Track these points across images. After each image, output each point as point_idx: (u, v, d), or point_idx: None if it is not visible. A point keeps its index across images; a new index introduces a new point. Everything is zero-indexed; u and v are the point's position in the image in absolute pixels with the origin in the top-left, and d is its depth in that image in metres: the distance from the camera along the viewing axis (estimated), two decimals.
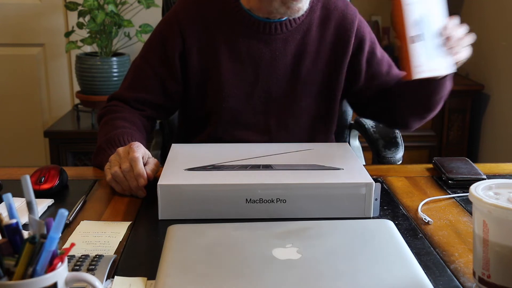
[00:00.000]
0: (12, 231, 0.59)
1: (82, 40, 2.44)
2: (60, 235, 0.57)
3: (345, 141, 1.62)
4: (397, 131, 1.52)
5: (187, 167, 1.02)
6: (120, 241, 0.87)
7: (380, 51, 1.38)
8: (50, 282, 0.56)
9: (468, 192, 0.73)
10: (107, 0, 2.36)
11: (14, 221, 0.59)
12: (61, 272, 0.58)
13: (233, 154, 1.10)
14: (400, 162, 1.44)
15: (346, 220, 0.92)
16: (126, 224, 0.93)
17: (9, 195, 0.61)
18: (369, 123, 1.56)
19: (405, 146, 1.48)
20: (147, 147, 1.13)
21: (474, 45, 1.15)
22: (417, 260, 0.75)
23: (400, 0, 1.03)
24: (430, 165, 1.22)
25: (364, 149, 1.66)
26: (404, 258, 0.75)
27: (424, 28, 1.05)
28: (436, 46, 1.08)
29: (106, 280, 0.74)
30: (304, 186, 0.94)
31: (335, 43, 1.33)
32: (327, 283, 0.68)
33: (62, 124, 2.55)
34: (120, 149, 1.07)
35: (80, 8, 2.41)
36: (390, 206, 1.01)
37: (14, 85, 2.76)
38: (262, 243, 0.77)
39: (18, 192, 0.68)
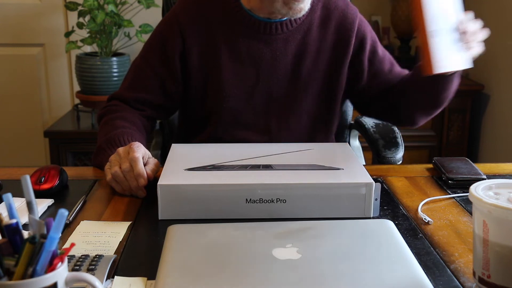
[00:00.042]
0: (12, 231, 0.59)
1: (82, 40, 2.43)
2: (60, 235, 0.57)
3: (345, 141, 1.62)
4: (397, 131, 1.52)
5: (187, 167, 1.02)
6: (120, 241, 0.87)
7: (381, 50, 1.38)
8: (50, 282, 0.56)
9: (468, 192, 0.73)
10: (107, 0, 2.36)
11: (14, 221, 0.59)
12: (61, 272, 0.58)
13: (233, 154, 1.10)
14: (400, 162, 1.44)
15: (346, 220, 0.92)
16: (126, 224, 0.93)
17: (9, 195, 0.61)
18: (369, 123, 1.56)
19: (405, 146, 1.48)
20: (147, 147, 1.13)
21: None
22: (417, 260, 0.75)
23: None
24: (430, 165, 1.22)
25: (364, 149, 1.66)
26: (404, 258, 0.75)
27: (442, 22, 1.06)
28: (454, 41, 1.08)
29: (106, 280, 0.74)
30: (304, 186, 0.94)
31: (336, 42, 1.33)
32: (327, 283, 0.68)
33: (62, 124, 2.55)
34: (120, 149, 1.07)
35: (80, 8, 2.41)
36: (390, 206, 1.01)
37: (14, 85, 2.76)
38: (262, 243, 0.77)
39: (18, 192, 0.68)
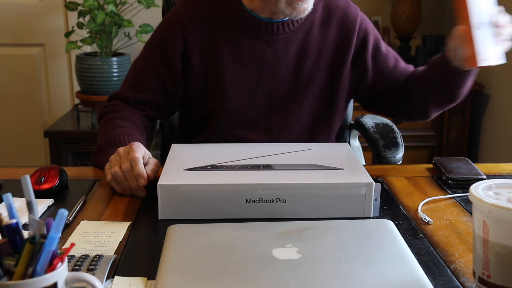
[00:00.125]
0: (12, 231, 0.59)
1: (82, 40, 2.44)
2: (60, 235, 0.57)
3: (345, 141, 1.62)
4: (397, 131, 1.52)
5: (187, 167, 1.02)
6: (120, 241, 0.87)
7: (385, 46, 1.38)
8: (50, 282, 0.56)
9: (468, 192, 0.73)
10: (107, 0, 2.36)
11: (14, 221, 0.59)
12: (61, 272, 0.58)
13: (233, 154, 1.10)
14: (400, 162, 1.44)
15: (346, 220, 0.92)
16: (126, 224, 0.93)
17: (9, 195, 0.61)
18: (369, 123, 1.56)
19: (405, 146, 1.48)
20: (147, 147, 1.13)
21: None
22: (417, 260, 0.75)
23: None
24: (430, 165, 1.22)
25: (364, 149, 1.66)
26: (404, 258, 0.75)
27: (483, 15, 1.06)
28: (491, 35, 1.08)
29: (106, 280, 0.74)
30: (304, 186, 0.94)
31: (338, 41, 1.33)
32: (327, 283, 0.68)
33: (62, 124, 2.55)
34: (121, 149, 1.07)
35: (80, 8, 2.41)
36: (390, 206, 1.01)
37: (14, 85, 2.76)
38: (262, 243, 0.77)
39: (18, 192, 0.68)
